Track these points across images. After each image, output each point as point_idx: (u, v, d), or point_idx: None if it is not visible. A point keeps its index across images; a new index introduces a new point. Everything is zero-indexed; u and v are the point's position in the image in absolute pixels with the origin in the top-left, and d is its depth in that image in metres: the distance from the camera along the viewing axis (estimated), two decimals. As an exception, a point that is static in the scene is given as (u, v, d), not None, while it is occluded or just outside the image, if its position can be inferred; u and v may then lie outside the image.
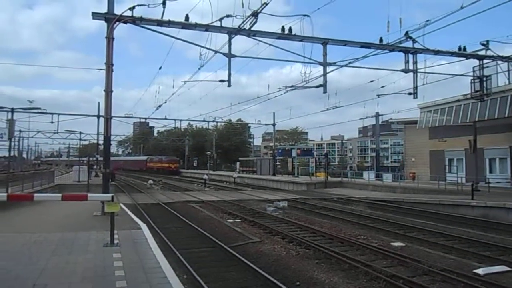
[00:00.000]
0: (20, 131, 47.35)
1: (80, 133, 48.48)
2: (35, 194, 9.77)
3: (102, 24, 13.86)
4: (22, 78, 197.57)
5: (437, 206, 20.33)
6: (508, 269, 9.06)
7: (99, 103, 32.23)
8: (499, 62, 19.54)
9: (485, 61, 18.86)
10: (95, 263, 7.12)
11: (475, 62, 19.25)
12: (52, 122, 36.91)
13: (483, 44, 17.83)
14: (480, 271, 8.75)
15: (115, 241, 8.67)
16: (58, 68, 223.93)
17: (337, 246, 11.69)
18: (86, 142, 61.92)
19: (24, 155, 70.05)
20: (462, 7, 12.82)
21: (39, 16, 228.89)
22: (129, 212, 14.88)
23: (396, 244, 11.96)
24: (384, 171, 48.83)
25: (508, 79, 22.62)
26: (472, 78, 20.17)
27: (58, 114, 37.15)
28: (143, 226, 11.53)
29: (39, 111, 33.17)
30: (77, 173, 32.05)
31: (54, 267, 6.84)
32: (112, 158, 79.52)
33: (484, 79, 19.31)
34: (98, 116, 32.81)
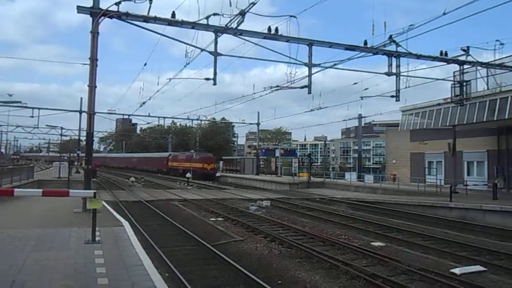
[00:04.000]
0: (-1, 125, 46.26)
1: (62, 128, 47.54)
2: (15, 189, 9.59)
3: (85, 18, 13.72)
4: (1, 71, 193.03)
5: (416, 207, 20.73)
6: (483, 269, 9.33)
7: (81, 98, 31.87)
8: (479, 67, 20.04)
9: (465, 66, 19.31)
10: (76, 260, 7.05)
11: (456, 67, 19.70)
12: (32, 117, 36.06)
13: (463, 50, 18.24)
14: (456, 270, 8.98)
15: (97, 238, 8.58)
16: (38, 61, 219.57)
17: (319, 245, 11.83)
18: (67, 138, 60.72)
19: (3, 150, 68.52)
20: (444, 13, 13.11)
21: (20, 8, 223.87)
22: (111, 209, 14.72)
23: (376, 244, 12.17)
24: (365, 172, 49.52)
25: (487, 84, 23.22)
26: (452, 82, 20.63)
27: (39, 108, 36.29)
28: (125, 224, 11.43)
29: (19, 105, 32.47)
30: (57, 169, 31.50)
31: (34, 264, 6.74)
32: (121, 155, 71.22)
33: (464, 84, 19.75)
34: (81, 112, 32.33)
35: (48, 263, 6.85)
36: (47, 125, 45.08)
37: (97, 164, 76.93)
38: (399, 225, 15.98)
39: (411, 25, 15.02)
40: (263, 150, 51.58)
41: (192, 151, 54.44)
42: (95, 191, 9.26)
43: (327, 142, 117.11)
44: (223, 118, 71.94)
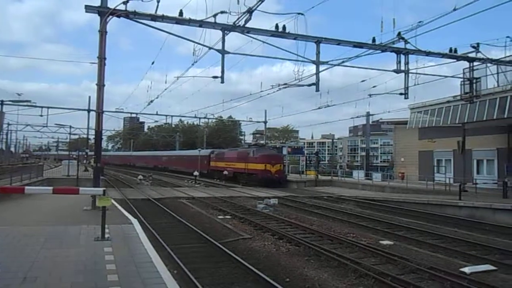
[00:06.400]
0: (8, 124, 46.77)
1: (70, 127, 47.98)
2: (26, 187, 9.69)
3: (92, 17, 13.95)
4: (10, 71, 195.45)
5: (425, 206, 20.59)
6: (493, 268, 9.23)
7: (89, 97, 32.22)
8: (489, 64, 19.84)
9: (475, 63, 19.12)
10: (86, 257, 7.10)
11: (464, 64, 19.53)
12: (41, 116, 36.49)
13: (473, 47, 18.09)
14: (466, 269, 8.90)
15: (106, 235, 8.65)
16: (46, 61, 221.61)
17: (327, 243, 11.78)
18: (76, 136, 61.22)
19: (12, 149, 69.23)
20: (455, 9, 12.98)
21: (28, 8, 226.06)
22: (119, 207, 14.81)
23: (384, 242, 12.11)
24: (373, 170, 49.25)
25: (497, 81, 22.96)
26: (462, 80, 20.44)
27: (48, 107, 36.71)
28: (134, 221, 11.48)
29: (29, 104, 32.83)
30: (66, 167, 31.82)
31: (44, 260, 6.82)
32: (149, 153, 66.50)
33: (474, 81, 19.58)
34: (89, 110, 32.61)
35: (59, 259, 6.91)
36: (56, 124, 45.57)
37: (113, 163, 76.77)
38: (407, 223, 15.88)
39: (420, 21, 14.94)
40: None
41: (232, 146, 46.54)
42: (104, 189, 9.31)
43: (334, 140, 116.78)
44: (230, 117, 72.15)
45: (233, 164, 38.46)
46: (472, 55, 18.33)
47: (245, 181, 35.16)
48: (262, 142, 50.08)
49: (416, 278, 8.42)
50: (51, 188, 9.09)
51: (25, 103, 32.92)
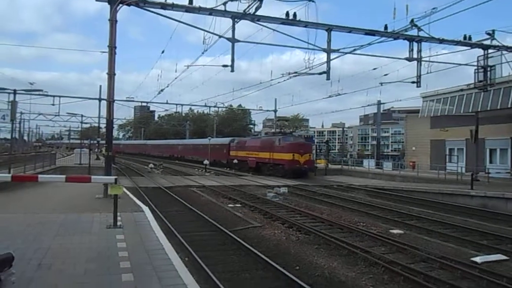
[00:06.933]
0: (21, 113, 47.34)
1: (82, 116, 48.34)
2: (39, 175, 9.84)
3: (102, 6, 13.95)
4: (22, 60, 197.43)
5: (436, 195, 20.46)
6: (505, 257, 9.17)
7: (100, 86, 32.30)
8: (504, 52, 19.42)
9: (489, 50, 18.74)
10: (99, 244, 7.22)
11: (479, 52, 19.14)
12: (53, 105, 36.77)
13: (488, 34, 17.72)
14: (477, 259, 8.85)
15: (118, 223, 8.77)
16: (57, 50, 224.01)
17: (337, 232, 11.80)
18: (87, 125, 61.69)
19: (25, 138, 70.21)
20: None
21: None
22: (131, 195, 14.97)
23: (395, 231, 12.07)
24: (384, 159, 49.00)
25: (512, 69, 22.49)
26: (476, 67, 20.06)
27: (60, 96, 36.92)
28: (145, 209, 11.62)
29: (41, 93, 33.11)
30: (78, 155, 32.24)
31: (58, 248, 6.94)
32: (163, 142, 65.13)
33: (488, 69, 19.21)
34: (100, 99, 32.79)
35: (72, 247, 7.03)
36: (67, 113, 45.97)
37: (127, 152, 77.12)
38: (418, 212, 15.81)
39: (434, 8, 14.64)
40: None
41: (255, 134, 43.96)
42: (116, 177, 9.42)
43: (345, 129, 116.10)
44: (240, 105, 72.10)
45: (256, 153, 34.90)
46: (487, 42, 17.97)
47: (270, 172, 31.92)
48: (272, 130, 49.78)
49: (427, 267, 8.41)
50: (64, 176, 9.21)
51: (37, 92, 33.19)
